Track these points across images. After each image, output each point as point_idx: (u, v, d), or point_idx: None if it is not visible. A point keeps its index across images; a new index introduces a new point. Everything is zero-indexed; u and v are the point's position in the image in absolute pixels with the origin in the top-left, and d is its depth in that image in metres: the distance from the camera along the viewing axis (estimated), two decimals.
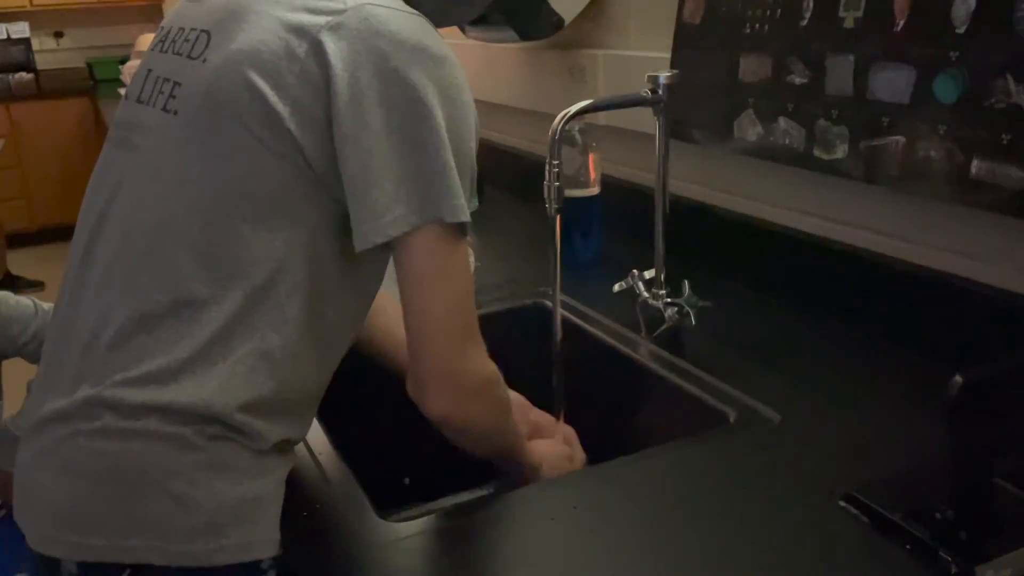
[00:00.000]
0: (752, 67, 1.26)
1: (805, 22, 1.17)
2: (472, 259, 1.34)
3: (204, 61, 0.83)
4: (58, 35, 5.87)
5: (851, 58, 1.11)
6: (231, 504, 0.78)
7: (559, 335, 1.16)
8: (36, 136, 5.36)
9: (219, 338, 0.78)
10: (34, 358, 1.47)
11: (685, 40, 1.40)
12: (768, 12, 1.23)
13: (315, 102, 0.79)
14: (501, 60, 2.01)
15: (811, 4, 1.16)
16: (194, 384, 0.77)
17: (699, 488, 0.86)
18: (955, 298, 1.05)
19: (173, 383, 0.77)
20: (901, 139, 1.05)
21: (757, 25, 1.25)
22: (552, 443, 1.08)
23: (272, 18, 0.81)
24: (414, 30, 0.81)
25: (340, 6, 0.80)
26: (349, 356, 0.94)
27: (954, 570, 0.71)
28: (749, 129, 1.28)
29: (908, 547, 0.74)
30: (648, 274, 1.23)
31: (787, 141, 1.22)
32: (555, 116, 1.08)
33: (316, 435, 0.99)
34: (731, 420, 1.00)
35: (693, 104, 1.37)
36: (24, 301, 1.48)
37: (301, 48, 0.79)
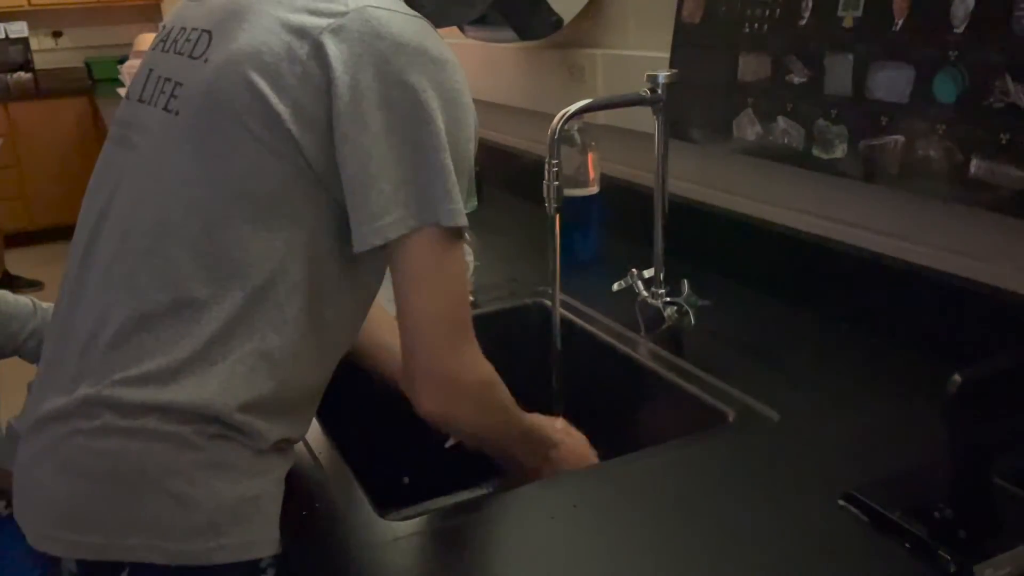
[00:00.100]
0: (751, 66, 1.26)
1: (804, 21, 1.17)
2: (471, 259, 1.34)
3: (205, 61, 0.83)
4: (56, 35, 5.87)
5: (850, 57, 1.11)
6: (230, 503, 0.78)
7: (558, 334, 1.16)
8: (34, 136, 5.35)
9: (219, 338, 0.78)
10: (33, 356, 1.47)
11: (684, 39, 1.40)
12: (767, 11, 1.23)
13: (316, 103, 0.79)
14: (500, 60, 2.01)
15: (810, 3, 1.16)
16: (194, 384, 0.77)
17: (698, 487, 0.86)
18: (954, 297, 1.05)
19: (173, 383, 0.77)
20: (900, 138, 1.06)
21: (756, 24, 1.25)
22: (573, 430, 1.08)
23: (273, 19, 0.81)
24: (415, 32, 0.81)
25: (341, 8, 0.80)
26: (348, 356, 0.94)
27: (953, 569, 0.71)
28: (748, 128, 1.28)
29: (907, 546, 0.74)
30: (647, 273, 1.23)
31: (786, 140, 1.22)
32: (554, 116, 1.08)
33: (315, 434, 0.99)
34: (730, 419, 1.00)
35: (692, 103, 1.37)
36: (22, 299, 1.48)
37: (302, 50, 0.79)
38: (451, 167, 0.80)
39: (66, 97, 5.48)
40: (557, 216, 1.10)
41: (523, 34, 1.66)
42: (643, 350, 1.20)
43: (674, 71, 1.15)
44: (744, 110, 1.28)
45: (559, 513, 0.84)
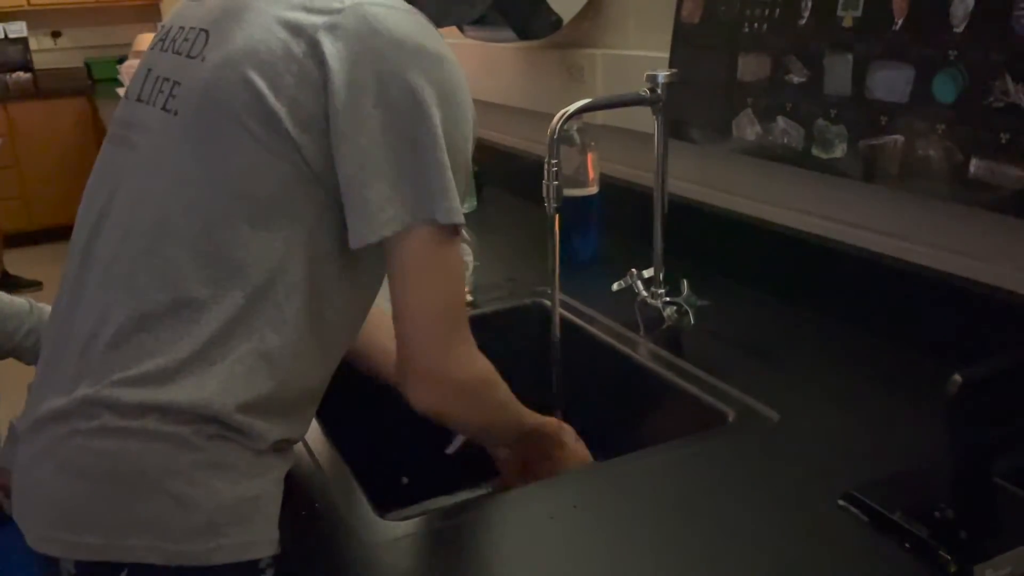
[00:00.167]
0: (751, 66, 1.26)
1: (804, 21, 1.17)
2: (471, 258, 1.34)
3: (203, 60, 0.83)
4: (56, 35, 5.87)
5: (849, 57, 1.11)
6: (230, 504, 0.77)
7: (558, 334, 1.16)
8: (33, 136, 5.35)
9: (218, 338, 0.78)
10: (29, 356, 1.46)
11: (684, 39, 1.40)
12: (766, 11, 1.23)
13: (313, 101, 0.78)
14: (500, 60, 2.01)
15: (809, 3, 1.16)
16: (193, 384, 0.77)
17: (698, 487, 0.86)
18: (954, 297, 1.05)
19: (172, 383, 0.77)
20: (900, 138, 1.05)
21: (756, 24, 1.25)
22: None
23: (270, 16, 0.81)
24: (412, 29, 0.80)
25: (338, 5, 0.80)
26: (346, 358, 0.94)
27: (953, 569, 0.71)
28: (748, 128, 1.28)
29: (907, 546, 0.74)
30: (647, 273, 1.23)
31: (786, 140, 1.22)
32: (554, 115, 1.08)
33: (315, 434, 0.99)
34: (730, 419, 1.00)
35: (692, 103, 1.37)
36: (18, 300, 1.48)
37: (299, 47, 0.79)
38: (448, 164, 0.80)
39: (65, 97, 5.48)
40: (556, 216, 1.10)
41: (522, 34, 1.66)
42: (643, 350, 1.20)
43: (673, 71, 1.15)
44: (744, 110, 1.28)
45: (559, 513, 0.84)
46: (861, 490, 0.81)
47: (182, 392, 0.77)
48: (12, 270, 4.70)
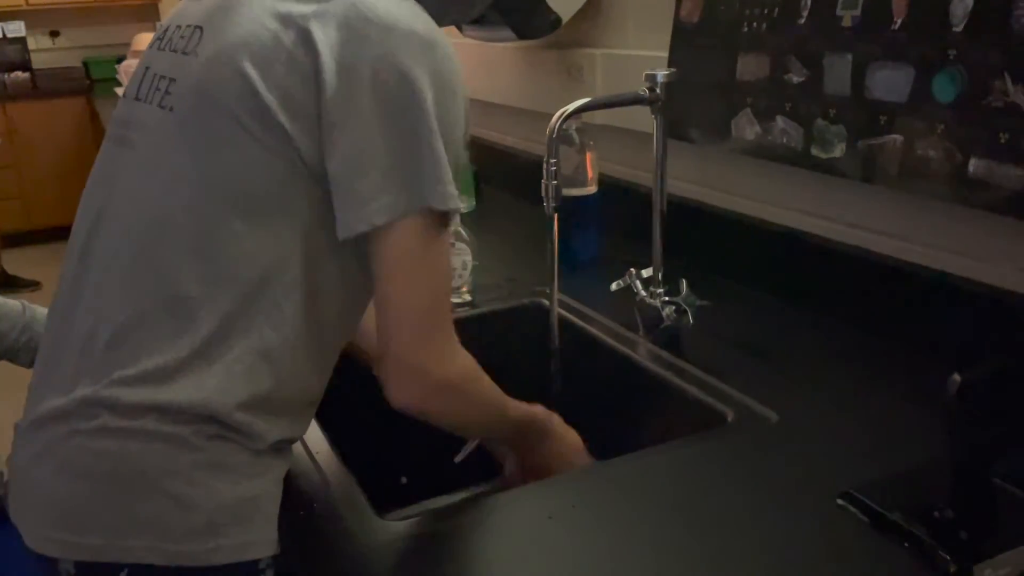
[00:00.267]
0: (750, 66, 1.26)
1: (803, 21, 1.17)
2: (470, 258, 1.34)
3: (196, 55, 0.83)
4: (54, 34, 5.86)
5: (849, 57, 1.11)
6: (229, 504, 0.77)
7: (557, 334, 1.16)
8: (32, 136, 5.34)
9: (216, 336, 0.78)
10: (24, 359, 1.46)
11: (683, 39, 1.40)
12: (766, 11, 1.23)
13: (304, 91, 0.78)
14: (499, 59, 2.01)
15: (809, 3, 1.16)
16: (192, 383, 0.77)
17: (698, 487, 0.86)
18: (954, 297, 1.05)
19: (171, 382, 0.77)
20: (899, 138, 1.05)
21: (755, 24, 1.25)
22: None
23: (261, 9, 0.81)
24: (403, 15, 0.80)
25: None
26: (346, 356, 0.94)
27: (953, 569, 0.71)
28: (747, 128, 1.28)
29: (907, 546, 0.74)
30: (646, 273, 1.23)
31: (785, 140, 1.22)
32: (553, 115, 1.08)
33: (314, 434, 0.99)
34: (729, 419, 1.00)
35: (691, 103, 1.37)
36: (11, 302, 1.47)
37: (289, 37, 0.78)
38: (442, 151, 0.79)
39: (64, 97, 5.47)
40: (555, 216, 1.10)
41: (521, 34, 1.66)
42: (642, 350, 1.20)
43: (672, 71, 1.15)
44: (743, 110, 1.28)
45: (558, 513, 0.84)
46: (860, 490, 0.80)
47: (181, 392, 0.77)
48: (11, 270, 4.70)
